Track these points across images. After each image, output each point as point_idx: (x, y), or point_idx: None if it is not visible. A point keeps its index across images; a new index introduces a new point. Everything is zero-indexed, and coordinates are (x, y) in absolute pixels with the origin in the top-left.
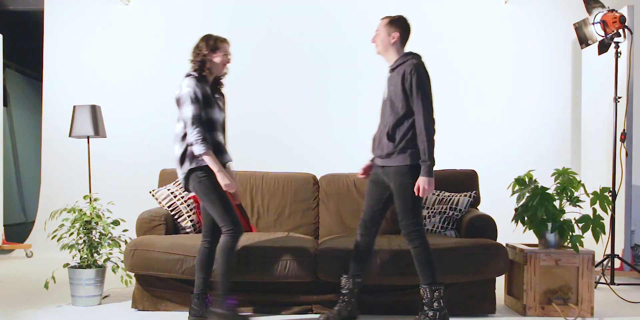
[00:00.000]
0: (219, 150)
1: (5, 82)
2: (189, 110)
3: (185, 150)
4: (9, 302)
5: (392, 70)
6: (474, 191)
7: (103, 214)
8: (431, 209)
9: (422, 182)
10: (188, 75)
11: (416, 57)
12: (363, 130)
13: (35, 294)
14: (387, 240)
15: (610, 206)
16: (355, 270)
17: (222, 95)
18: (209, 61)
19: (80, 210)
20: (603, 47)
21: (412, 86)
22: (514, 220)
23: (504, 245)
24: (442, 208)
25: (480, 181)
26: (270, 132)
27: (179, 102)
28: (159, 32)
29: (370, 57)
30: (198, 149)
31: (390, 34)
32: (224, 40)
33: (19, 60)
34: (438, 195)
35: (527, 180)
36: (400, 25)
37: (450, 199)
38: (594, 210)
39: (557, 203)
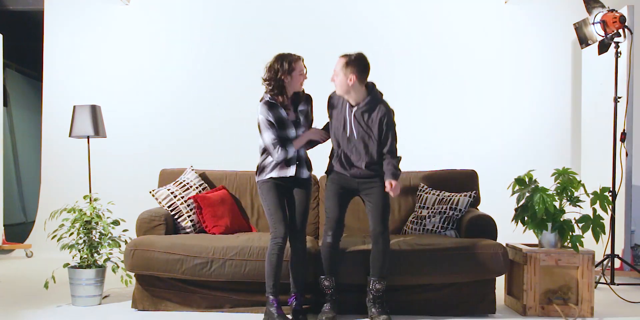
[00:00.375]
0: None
1: (5, 82)
2: (266, 136)
3: (260, 163)
4: (9, 302)
5: (360, 110)
6: (474, 191)
7: (103, 214)
8: (431, 209)
9: (398, 184)
10: (262, 99)
11: (380, 97)
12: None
13: (35, 294)
14: (397, 241)
15: (610, 206)
16: (334, 269)
17: (309, 98)
18: (286, 84)
19: (80, 210)
20: (603, 47)
21: (389, 133)
22: (514, 220)
23: (504, 245)
24: (442, 208)
25: (480, 181)
26: None
27: (258, 126)
28: (159, 32)
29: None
30: (290, 154)
31: (347, 76)
32: (298, 59)
33: (19, 60)
34: (438, 195)
35: (527, 180)
36: (356, 66)
37: (450, 199)
38: (594, 210)
39: (557, 203)
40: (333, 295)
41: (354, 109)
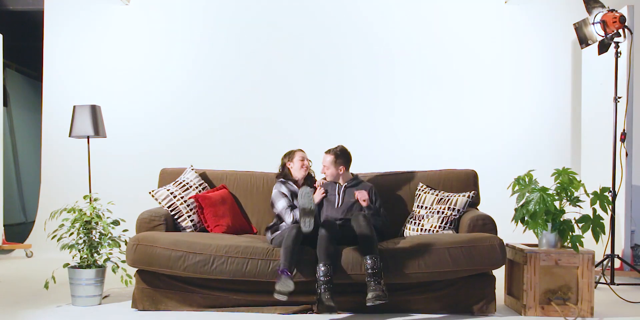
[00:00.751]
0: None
1: (5, 82)
2: (279, 204)
3: (272, 225)
4: (9, 302)
5: (348, 186)
6: (474, 191)
7: (103, 214)
8: (429, 208)
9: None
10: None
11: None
12: (358, 133)
13: (35, 294)
14: (395, 240)
15: (610, 206)
16: (331, 253)
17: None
18: (291, 170)
19: (80, 210)
20: (603, 47)
21: (377, 201)
22: (514, 220)
23: (501, 239)
24: (440, 208)
25: (480, 181)
26: (269, 134)
27: (271, 202)
28: (159, 32)
29: (367, 60)
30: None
31: (338, 168)
32: (297, 151)
33: (19, 60)
34: (437, 195)
35: (527, 180)
36: (342, 158)
37: (449, 199)
38: (594, 210)
39: (557, 203)
40: (330, 282)
41: (343, 185)
